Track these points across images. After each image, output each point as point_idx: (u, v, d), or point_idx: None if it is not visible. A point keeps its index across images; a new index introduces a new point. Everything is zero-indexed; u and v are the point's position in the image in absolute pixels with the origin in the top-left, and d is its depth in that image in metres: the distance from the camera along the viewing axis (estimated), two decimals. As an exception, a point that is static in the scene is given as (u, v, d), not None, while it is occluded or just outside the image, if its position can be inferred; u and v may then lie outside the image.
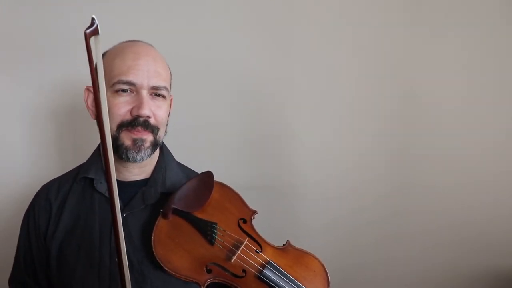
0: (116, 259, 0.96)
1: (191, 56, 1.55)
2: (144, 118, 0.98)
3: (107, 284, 0.98)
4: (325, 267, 1.02)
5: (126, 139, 0.98)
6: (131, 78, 0.96)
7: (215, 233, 0.98)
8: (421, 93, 1.63)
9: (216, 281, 0.96)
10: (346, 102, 1.63)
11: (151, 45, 1.06)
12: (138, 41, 1.07)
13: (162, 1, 1.54)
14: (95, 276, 0.98)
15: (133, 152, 0.98)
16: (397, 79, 1.63)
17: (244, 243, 0.98)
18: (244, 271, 0.96)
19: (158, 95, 1.01)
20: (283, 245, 1.04)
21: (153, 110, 0.99)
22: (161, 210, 0.99)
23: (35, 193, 1.12)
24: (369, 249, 1.65)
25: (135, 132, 0.98)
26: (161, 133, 1.04)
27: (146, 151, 0.99)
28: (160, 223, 0.98)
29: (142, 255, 0.99)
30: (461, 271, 1.65)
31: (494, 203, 1.63)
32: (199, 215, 1.00)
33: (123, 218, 0.98)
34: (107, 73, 0.98)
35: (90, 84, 1.05)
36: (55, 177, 1.16)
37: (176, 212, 0.99)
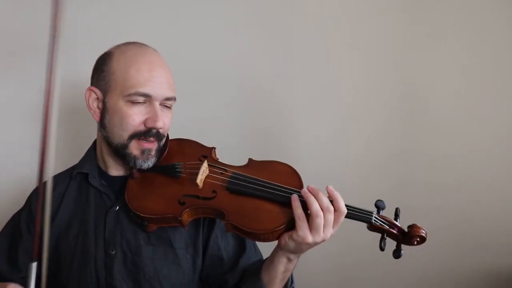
0: (113, 252, 1.02)
1: (192, 56, 1.55)
2: (157, 129, 1.03)
3: (103, 275, 1.02)
4: (293, 167, 1.04)
5: (135, 149, 1.03)
6: (148, 90, 1.00)
7: (178, 168, 1.04)
8: (420, 92, 1.63)
9: (194, 214, 0.99)
10: (346, 102, 1.63)
11: (156, 51, 1.09)
12: (145, 46, 1.09)
13: (162, 1, 1.54)
14: (92, 268, 1.03)
15: (141, 161, 1.03)
16: (397, 77, 1.63)
17: (204, 162, 1.03)
18: (214, 191, 0.99)
19: (166, 105, 1.06)
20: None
21: (163, 120, 1.04)
22: (129, 173, 1.07)
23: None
24: (369, 248, 1.64)
25: (146, 143, 1.03)
26: (164, 139, 1.09)
27: (152, 159, 1.05)
28: (130, 184, 1.05)
29: (135, 247, 1.02)
30: (461, 270, 1.65)
31: (495, 201, 1.63)
32: (161, 163, 1.07)
33: (116, 211, 1.05)
34: (119, 80, 1.02)
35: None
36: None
37: (141, 170, 1.05)
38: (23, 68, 1.47)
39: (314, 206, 0.88)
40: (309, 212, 0.89)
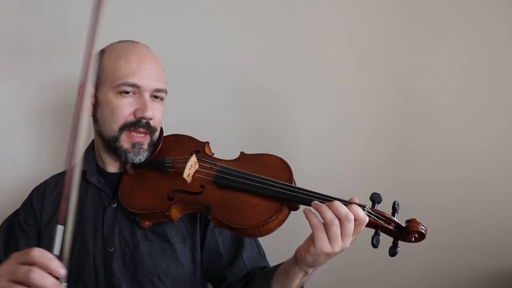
0: (111, 249, 1.03)
1: (192, 56, 1.55)
2: (147, 120, 1.03)
3: (102, 272, 1.03)
4: (285, 160, 1.02)
5: (126, 142, 1.03)
6: (136, 80, 1.01)
7: (167, 163, 1.04)
8: (420, 92, 1.63)
9: (184, 209, 0.98)
10: (346, 102, 1.63)
11: (148, 47, 1.10)
12: (136, 42, 1.10)
13: (163, 2, 1.54)
14: (91, 265, 1.04)
15: (132, 155, 1.04)
16: (397, 77, 1.62)
17: (191, 157, 1.02)
18: (202, 186, 0.98)
19: (156, 97, 1.07)
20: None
21: (153, 112, 1.04)
22: (123, 170, 1.07)
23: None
24: (368, 247, 1.64)
25: (136, 136, 1.03)
26: (156, 134, 1.09)
27: (144, 153, 1.05)
28: (124, 180, 1.06)
29: (133, 243, 1.03)
30: (461, 270, 1.65)
31: (495, 201, 1.63)
32: (154, 159, 1.08)
33: (113, 208, 1.06)
34: (109, 73, 1.03)
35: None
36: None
37: (134, 165, 1.07)
38: (23, 68, 1.48)
39: (328, 214, 0.82)
40: (323, 222, 0.83)
